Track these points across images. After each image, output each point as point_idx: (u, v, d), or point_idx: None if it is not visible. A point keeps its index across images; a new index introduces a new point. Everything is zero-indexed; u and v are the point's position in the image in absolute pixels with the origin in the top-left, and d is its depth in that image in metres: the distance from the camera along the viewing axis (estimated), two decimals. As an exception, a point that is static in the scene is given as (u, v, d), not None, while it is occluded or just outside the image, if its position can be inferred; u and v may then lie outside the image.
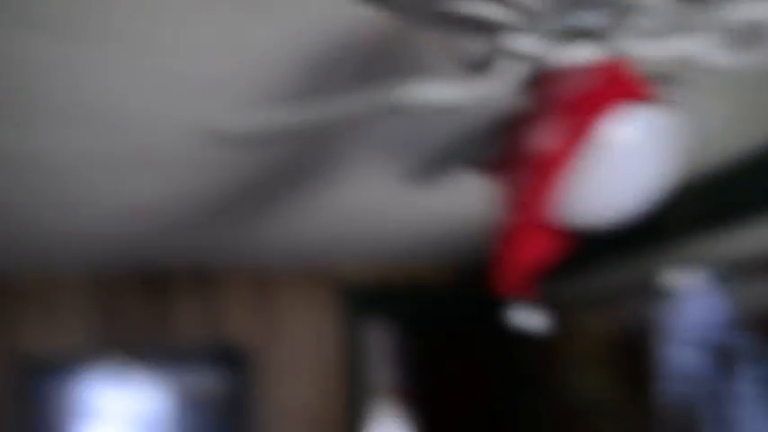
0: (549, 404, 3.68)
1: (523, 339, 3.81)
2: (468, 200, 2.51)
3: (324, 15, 1.35)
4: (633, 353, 2.66)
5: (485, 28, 1.10)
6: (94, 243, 2.84)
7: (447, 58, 1.36)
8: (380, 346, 5.73)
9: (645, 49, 1.26)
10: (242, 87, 1.62)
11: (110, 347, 3.19)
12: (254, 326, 3.36)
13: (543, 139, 1.19)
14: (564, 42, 1.22)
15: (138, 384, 3.12)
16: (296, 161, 2.07)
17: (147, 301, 3.26)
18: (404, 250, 3.38)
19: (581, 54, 1.22)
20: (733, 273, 2.70)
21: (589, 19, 1.19)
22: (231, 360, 3.23)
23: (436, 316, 4.23)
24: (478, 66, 1.25)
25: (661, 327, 1.16)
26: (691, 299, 1.15)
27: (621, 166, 1.19)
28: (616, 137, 1.18)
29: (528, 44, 1.22)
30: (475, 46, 1.23)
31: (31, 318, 3.26)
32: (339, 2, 1.31)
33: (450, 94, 1.28)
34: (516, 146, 1.26)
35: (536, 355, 3.78)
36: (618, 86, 1.20)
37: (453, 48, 1.27)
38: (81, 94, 1.59)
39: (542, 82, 1.24)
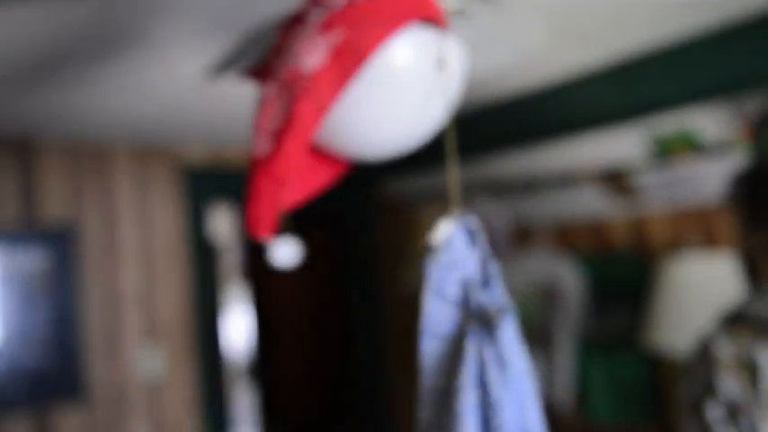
0: (384, 291, 3.76)
1: (365, 222, 3.80)
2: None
3: None
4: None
5: None
6: None
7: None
8: (224, 226, 5.59)
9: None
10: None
11: None
12: (83, 204, 3.09)
13: (311, 53, 1.01)
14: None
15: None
16: (99, 28, 1.77)
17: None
18: (241, 132, 3.19)
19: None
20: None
21: None
22: (56, 239, 2.98)
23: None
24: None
25: (426, 278, 1.08)
26: (452, 247, 1.08)
27: (397, 92, 1.05)
28: (394, 59, 1.02)
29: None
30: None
31: None
32: None
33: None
34: (282, 56, 1.07)
35: (376, 242, 3.81)
36: (405, 1, 1.03)
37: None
38: None
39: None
